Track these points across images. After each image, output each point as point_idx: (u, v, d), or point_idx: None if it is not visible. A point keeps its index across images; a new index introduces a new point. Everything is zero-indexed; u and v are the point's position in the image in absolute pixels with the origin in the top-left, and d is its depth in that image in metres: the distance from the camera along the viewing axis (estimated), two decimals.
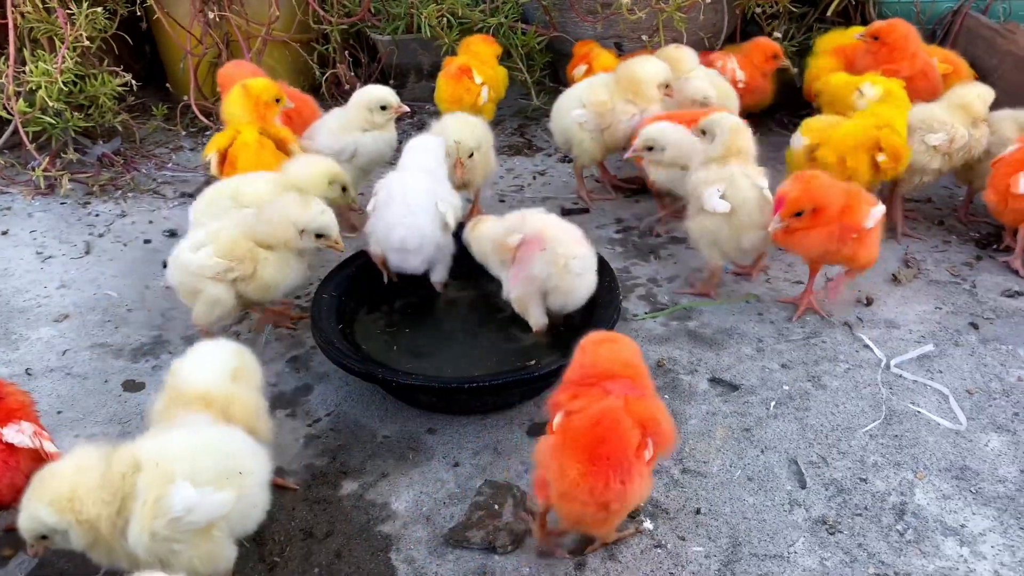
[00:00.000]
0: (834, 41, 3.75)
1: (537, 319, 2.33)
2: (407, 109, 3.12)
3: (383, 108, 3.02)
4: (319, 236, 2.37)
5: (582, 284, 2.30)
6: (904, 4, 4.22)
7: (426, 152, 2.60)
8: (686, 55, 3.42)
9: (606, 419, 1.66)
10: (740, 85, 3.59)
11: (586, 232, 2.89)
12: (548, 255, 2.25)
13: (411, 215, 2.42)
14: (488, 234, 2.41)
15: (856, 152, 2.81)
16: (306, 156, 2.79)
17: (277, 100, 2.92)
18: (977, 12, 4.05)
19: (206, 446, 1.68)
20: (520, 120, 4.35)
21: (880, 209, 2.52)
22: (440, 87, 3.53)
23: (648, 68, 3.18)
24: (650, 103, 3.17)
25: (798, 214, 2.41)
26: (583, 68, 3.75)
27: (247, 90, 2.88)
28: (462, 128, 2.87)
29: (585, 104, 3.20)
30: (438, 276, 2.56)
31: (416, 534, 1.95)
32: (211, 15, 3.91)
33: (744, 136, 2.64)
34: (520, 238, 2.30)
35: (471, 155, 2.82)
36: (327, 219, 2.37)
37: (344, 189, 2.71)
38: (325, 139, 3.03)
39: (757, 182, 2.57)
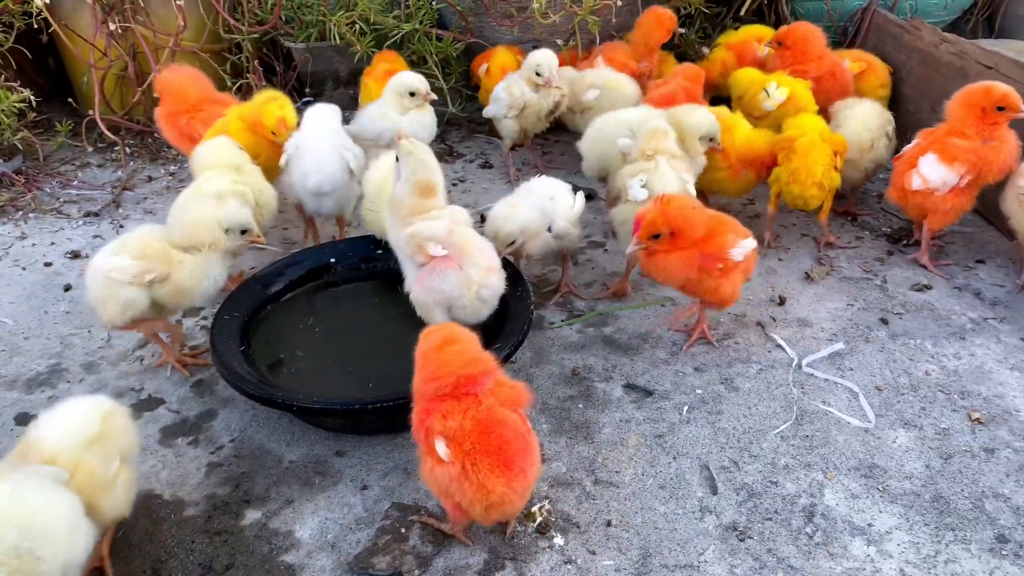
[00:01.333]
0: (733, 37, 3.80)
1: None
2: (434, 96, 3.23)
3: (412, 94, 3.16)
4: (243, 232, 2.41)
5: (485, 309, 2.29)
6: (816, 3, 4.29)
7: (327, 115, 2.94)
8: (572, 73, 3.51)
9: (497, 426, 1.69)
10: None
11: None
12: (462, 276, 2.22)
13: (322, 164, 2.79)
14: (411, 229, 2.27)
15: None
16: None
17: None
18: (885, 10, 4.12)
19: None
20: (440, 127, 4.28)
21: (751, 243, 2.38)
22: (369, 88, 3.52)
23: (695, 119, 2.88)
24: (695, 155, 2.88)
25: (656, 236, 2.29)
26: (485, 67, 3.90)
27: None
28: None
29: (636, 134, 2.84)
30: (348, 215, 2.98)
31: (320, 563, 1.88)
32: (113, 26, 3.76)
33: (660, 138, 2.66)
34: (440, 251, 2.23)
35: None
36: (247, 214, 2.44)
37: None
38: (367, 125, 3.22)
39: (682, 176, 2.64)
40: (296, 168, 2.83)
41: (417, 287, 2.28)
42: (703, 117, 2.87)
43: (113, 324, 2.36)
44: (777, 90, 3.22)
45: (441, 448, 1.69)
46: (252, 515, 2.02)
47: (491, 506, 1.70)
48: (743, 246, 2.35)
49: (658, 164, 2.63)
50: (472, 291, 2.23)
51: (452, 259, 2.23)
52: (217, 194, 2.51)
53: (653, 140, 2.68)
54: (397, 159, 2.29)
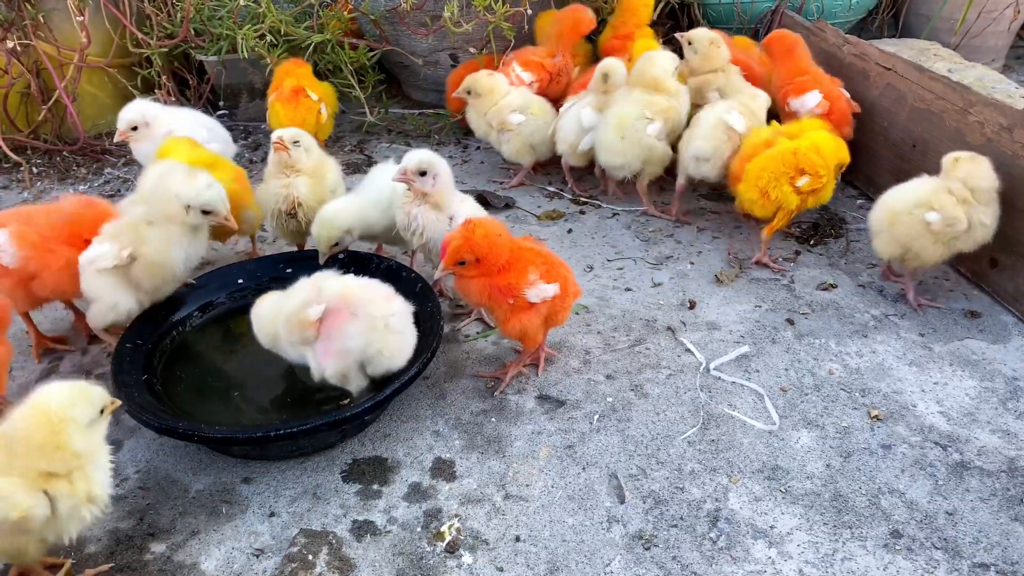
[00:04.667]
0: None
1: (359, 385, 2.19)
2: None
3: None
4: (206, 212, 2.32)
5: (405, 342, 2.19)
6: (726, 5, 4.37)
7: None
8: (498, 82, 3.44)
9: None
10: (533, 86, 3.61)
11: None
12: (363, 321, 2.10)
13: None
14: (274, 314, 2.19)
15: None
16: None
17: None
18: (792, 12, 4.21)
19: None
20: (359, 136, 4.27)
21: (551, 289, 2.28)
22: (277, 112, 3.45)
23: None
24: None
25: (462, 263, 2.23)
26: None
27: None
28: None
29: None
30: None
31: None
32: (11, 43, 3.65)
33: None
34: (322, 310, 2.12)
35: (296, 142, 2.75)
36: (212, 194, 2.32)
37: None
38: None
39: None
40: None
41: (328, 360, 2.13)
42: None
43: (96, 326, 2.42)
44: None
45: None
46: (156, 548, 1.98)
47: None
48: (541, 290, 2.26)
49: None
50: (380, 329, 2.11)
51: (341, 312, 2.12)
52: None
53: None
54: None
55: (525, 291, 2.24)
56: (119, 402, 1.83)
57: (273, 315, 2.19)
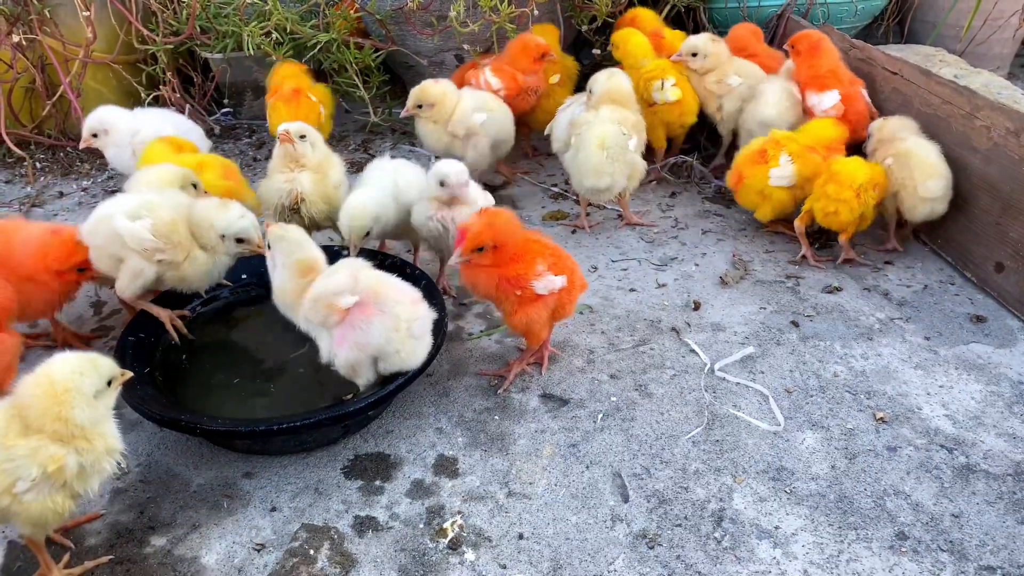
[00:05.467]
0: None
1: (367, 380, 2.17)
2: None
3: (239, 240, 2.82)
4: (239, 240, 2.36)
5: (421, 347, 2.17)
6: (732, 9, 4.37)
7: None
8: (447, 88, 3.29)
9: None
10: (500, 93, 3.48)
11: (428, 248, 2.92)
12: (388, 320, 2.08)
13: None
14: (311, 292, 2.14)
15: None
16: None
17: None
18: (799, 16, 4.21)
19: None
20: (363, 136, 4.27)
21: (559, 280, 2.27)
22: (279, 111, 3.42)
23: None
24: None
25: (480, 249, 2.21)
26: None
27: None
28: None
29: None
30: None
31: None
32: (17, 38, 3.65)
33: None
34: (354, 301, 2.09)
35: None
36: (246, 223, 2.36)
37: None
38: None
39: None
40: None
41: (344, 348, 2.10)
42: None
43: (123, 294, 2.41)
44: (671, 88, 3.35)
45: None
46: (157, 542, 1.96)
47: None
48: (549, 281, 2.25)
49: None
50: (403, 331, 2.10)
51: (370, 305, 2.09)
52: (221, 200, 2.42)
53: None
54: (269, 246, 2.20)
55: (533, 282, 2.24)
56: (129, 373, 1.84)
57: (309, 293, 2.15)
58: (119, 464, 1.78)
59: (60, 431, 1.65)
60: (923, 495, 2.05)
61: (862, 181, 2.84)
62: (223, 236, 2.35)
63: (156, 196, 2.37)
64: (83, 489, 1.73)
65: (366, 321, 2.08)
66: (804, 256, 3.04)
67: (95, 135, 3.08)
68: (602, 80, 3.17)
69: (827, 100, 3.25)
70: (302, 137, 2.70)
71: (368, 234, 2.58)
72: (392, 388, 2.10)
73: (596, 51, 4.30)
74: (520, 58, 3.58)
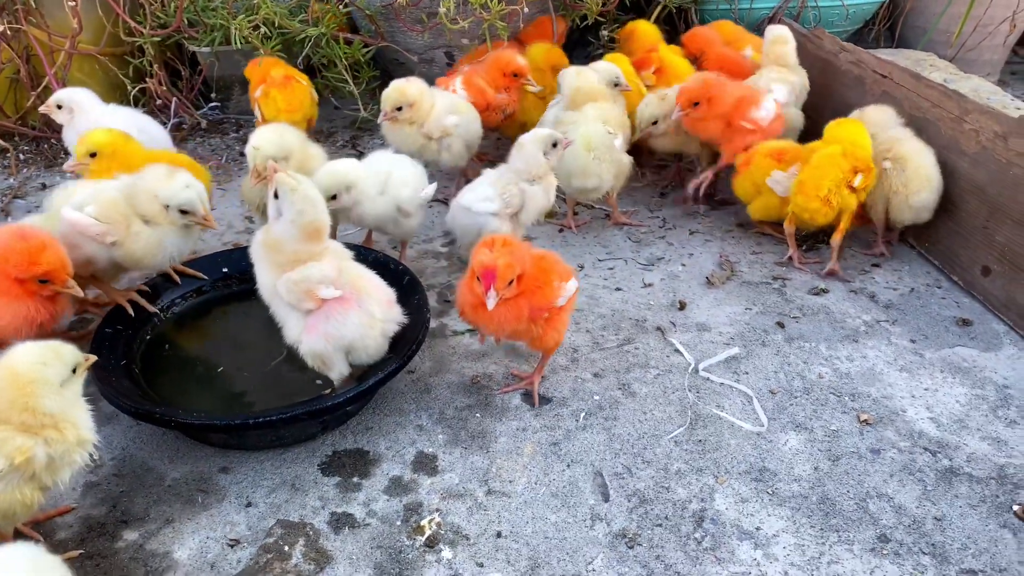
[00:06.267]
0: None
1: (341, 372, 2.14)
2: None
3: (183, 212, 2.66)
4: (184, 212, 2.31)
5: (386, 344, 2.17)
6: (723, 11, 4.36)
7: None
8: (423, 86, 3.17)
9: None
10: None
11: (413, 244, 2.99)
12: (363, 316, 2.07)
13: None
14: (296, 276, 2.06)
15: None
16: None
17: None
18: (790, 19, 4.21)
19: None
20: (352, 132, 4.24)
21: (573, 285, 2.24)
22: (275, 99, 3.36)
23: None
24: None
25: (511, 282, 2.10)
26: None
27: None
28: (268, 136, 2.69)
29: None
30: None
31: None
32: (1, 27, 3.61)
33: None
34: (335, 295, 2.06)
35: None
36: (191, 194, 2.30)
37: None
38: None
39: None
40: None
41: (312, 337, 2.07)
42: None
43: None
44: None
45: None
46: (129, 536, 1.93)
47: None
48: (566, 290, 2.20)
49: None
50: (376, 330, 2.11)
51: (349, 299, 2.07)
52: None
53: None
54: (276, 195, 2.07)
55: (556, 300, 2.17)
56: (93, 358, 1.80)
57: (294, 277, 2.07)
58: (92, 456, 1.75)
59: (28, 421, 1.62)
60: (906, 498, 2.03)
61: (829, 187, 2.80)
62: (167, 207, 2.30)
63: (98, 183, 2.37)
64: (53, 481, 1.70)
65: (342, 313, 2.06)
66: (790, 258, 3.02)
67: (60, 107, 3.05)
68: (571, 78, 3.13)
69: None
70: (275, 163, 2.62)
71: (335, 198, 2.57)
72: (371, 383, 2.07)
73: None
74: (495, 73, 3.46)
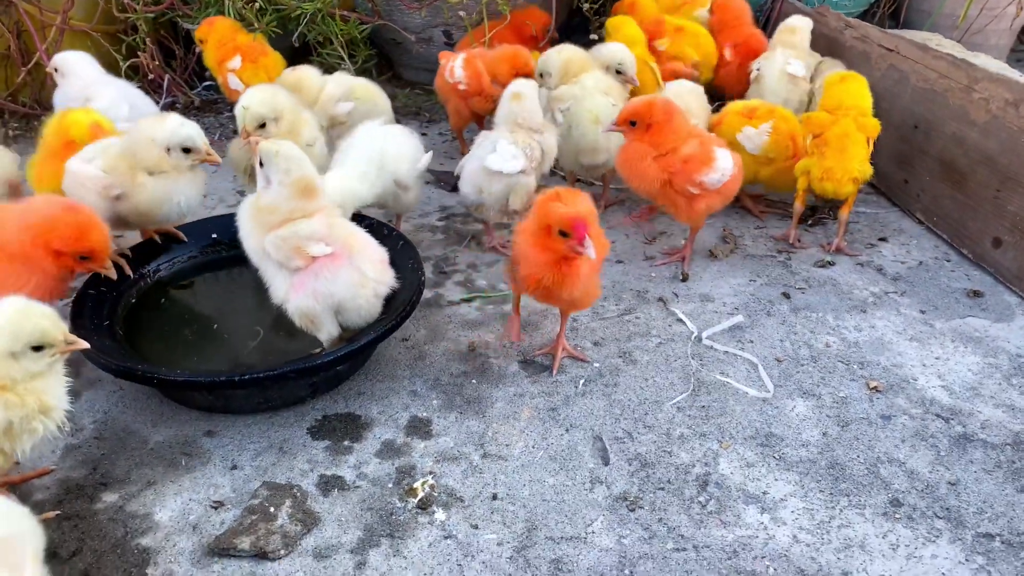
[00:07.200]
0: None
1: (330, 333, 2.07)
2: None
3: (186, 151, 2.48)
4: (187, 151, 2.27)
5: (379, 305, 2.10)
6: None
7: None
8: (309, 73, 3.03)
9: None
10: (460, 87, 3.26)
11: (409, 218, 2.88)
12: (355, 274, 2.01)
13: None
14: (284, 232, 2.00)
15: None
16: None
17: None
18: None
19: None
20: None
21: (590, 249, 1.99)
22: (255, 74, 3.30)
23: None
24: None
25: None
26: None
27: None
28: (259, 95, 2.57)
29: None
30: None
31: (179, 545, 1.73)
32: None
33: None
34: (326, 251, 2.00)
35: (263, 126, 2.51)
36: (189, 130, 2.27)
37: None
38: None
39: None
40: None
41: (300, 295, 1.99)
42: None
43: None
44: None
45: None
46: (108, 498, 1.85)
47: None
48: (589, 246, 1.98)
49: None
50: (368, 289, 2.03)
51: (340, 256, 2.01)
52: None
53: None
54: (262, 164, 2.02)
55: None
56: (83, 344, 1.68)
57: (281, 232, 2.01)
58: (59, 426, 1.64)
59: None
60: (918, 463, 1.95)
61: (858, 167, 2.67)
62: (168, 150, 2.25)
63: (109, 139, 2.32)
64: (11, 448, 1.59)
65: (333, 271, 1.98)
66: (787, 236, 2.92)
67: (56, 69, 2.99)
68: (554, 57, 2.95)
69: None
70: (261, 126, 2.51)
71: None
72: (363, 343, 1.99)
73: (593, 36, 4.18)
74: (505, 65, 3.19)
